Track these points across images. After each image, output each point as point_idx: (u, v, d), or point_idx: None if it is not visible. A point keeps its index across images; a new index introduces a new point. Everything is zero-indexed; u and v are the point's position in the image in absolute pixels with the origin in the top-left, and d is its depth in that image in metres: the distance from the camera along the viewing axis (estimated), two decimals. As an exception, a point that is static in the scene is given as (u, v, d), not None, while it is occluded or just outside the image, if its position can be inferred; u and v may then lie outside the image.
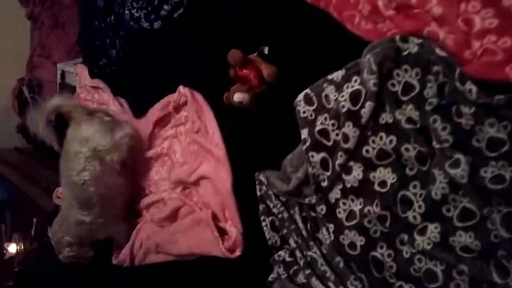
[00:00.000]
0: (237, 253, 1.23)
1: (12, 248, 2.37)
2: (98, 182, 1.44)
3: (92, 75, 1.92)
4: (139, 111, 1.67)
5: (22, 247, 2.44)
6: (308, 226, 1.07)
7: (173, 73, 1.55)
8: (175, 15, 1.48)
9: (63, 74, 2.53)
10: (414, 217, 0.86)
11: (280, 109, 1.14)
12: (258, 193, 1.16)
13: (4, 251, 2.40)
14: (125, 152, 1.48)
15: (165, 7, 1.49)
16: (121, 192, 1.53)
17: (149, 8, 1.56)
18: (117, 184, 1.50)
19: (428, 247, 0.84)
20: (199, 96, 1.39)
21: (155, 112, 1.54)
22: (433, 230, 0.84)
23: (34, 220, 2.41)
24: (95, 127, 1.45)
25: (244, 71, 1.13)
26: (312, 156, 1.00)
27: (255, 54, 1.17)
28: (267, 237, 1.12)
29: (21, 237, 2.46)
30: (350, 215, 0.98)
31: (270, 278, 1.11)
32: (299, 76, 1.10)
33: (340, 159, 0.96)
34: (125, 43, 1.75)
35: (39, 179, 2.51)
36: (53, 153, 2.19)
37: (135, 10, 1.61)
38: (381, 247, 0.93)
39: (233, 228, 1.27)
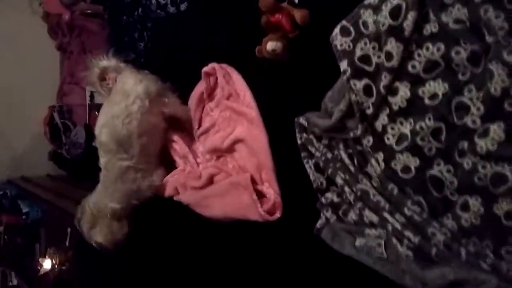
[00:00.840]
0: (277, 215, 1.18)
1: (47, 264, 2.36)
2: (143, 117, 1.39)
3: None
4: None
5: (58, 260, 2.42)
6: (355, 161, 1.01)
7: (201, 54, 1.56)
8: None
9: (91, 95, 2.61)
10: (473, 121, 0.81)
11: (312, 57, 1.12)
12: (299, 142, 1.13)
13: (39, 267, 2.38)
14: (174, 106, 1.47)
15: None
16: (160, 136, 1.49)
17: (175, -8, 1.60)
18: (159, 127, 1.47)
19: (493, 148, 0.77)
20: (224, 65, 1.39)
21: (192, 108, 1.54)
22: (496, 129, 0.78)
23: (69, 230, 2.41)
24: (146, 76, 1.45)
25: (276, 15, 1.12)
26: (354, 85, 0.97)
27: (285, 2, 1.16)
28: (312, 179, 1.07)
29: (56, 251, 2.45)
30: (400, 138, 0.93)
31: (318, 225, 1.05)
32: (329, 21, 1.08)
33: (384, 80, 0.92)
34: (153, 34, 1.78)
35: (72, 196, 2.53)
36: (86, 177, 2.22)
37: (161, -2, 1.66)
38: (438, 164, 0.87)
39: (271, 190, 1.22)
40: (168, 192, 1.48)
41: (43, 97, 2.92)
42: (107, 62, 1.42)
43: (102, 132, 1.40)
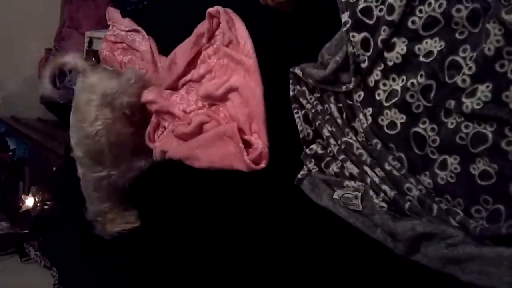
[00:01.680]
0: (262, 165, 1.19)
1: (30, 201, 2.36)
2: (110, 131, 1.45)
3: (125, 14, 1.92)
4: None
5: (40, 198, 2.42)
6: (344, 115, 1.02)
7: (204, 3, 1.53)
8: None
9: (90, 41, 2.56)
10: (463, 80, 0.81)
11: (315, 9, 1.11)
12: (291, 93, 1.13)
13: (21, 204, 2.38)
14: (134, 95, 1.50)
15: None
16: (131, 139, 1.56)
17: None
18: (127, 133, 1.53)
19: (478, 107, 0.78)
20: (229, 10, 1.37)
21: (186, 51, 1.52)
22: (484, 90, 0.79)
23: (54, 168, 2.41)
24: (100, 74, 1.50)
25: (284, -38, 1.10)
26: (353, 36, 0.96)
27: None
28: (300, 129, 1.08)
29: (39, 189, 2.45)
30: (391, 94, 0.93)
31: (299, 176, 1.07)
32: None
33: (383, 34, 0.92)
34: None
35: (59, 136, 2.52)
36: None
37: None
38: (424, 123, 0.88)
39: (259, 141, 1.22)
40: (158, 156, 1.50)
41: (41, 39, 2.87)
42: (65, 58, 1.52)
43: (76, 149, 1.47)
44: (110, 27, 2.04)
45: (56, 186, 2.18)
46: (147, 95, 1.54)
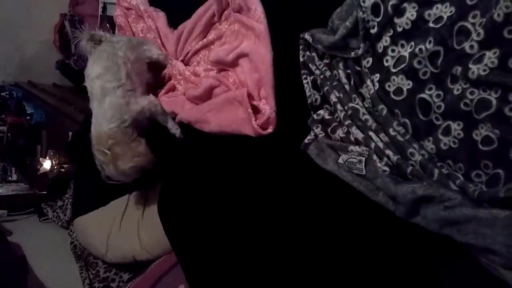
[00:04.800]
0: (270, 130, 1.21)
1: (47, 164, 2.42)
2: (130, 51, 1.50)
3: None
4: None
5: (57, 161, 2.49)
6: (352, 81, 1.03)
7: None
8: None
9: (104, 6, 2.57)
10: (471, 46, 0.81)
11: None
12: (301, 59, 1.14)
13: (39, 166, 2.45)
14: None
15: None
16: (145, 69, 1.58)
17: None
18: (145, 69, 1.57)
19: (484, 73, 0.79)
20: None
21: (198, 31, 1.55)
22: (491, 56, 0.79)
23: (70, 133, 2.47)
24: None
25: None
26: (364, 2, 0.96)
27: None
28: (308, 94, 1.09)
29: (56, 153, 2.51)
30: (399, 60, 0.94)
31: (306, 140, 1.09)
32: None
33: (393, -1, 0.91)
34: None
35: (75, 102, 2.56)
36: None
37: None
38: (430, 89, 0.89)
39: (267, 106, 1.24)
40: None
41: (56, 4, 2.88)
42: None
43: (95, 68, 1.46)
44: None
45: (73, 151, 2.23)
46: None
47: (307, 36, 1.08)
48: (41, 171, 2.41)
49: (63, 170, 2.48)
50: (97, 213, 1.72)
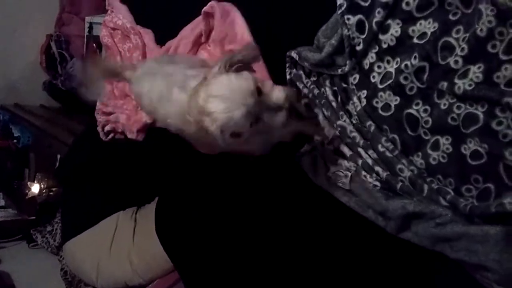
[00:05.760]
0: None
1: (35, 188, 2.38)
2: None
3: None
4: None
5: (46, 184, 2.45)
6: (339, 98, 1.03)
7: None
8: None
9: (90, 26, 2.56)
10: (456, 61, 0.82)
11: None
12: (288, 77, 1.14)
13: (27, 190, 2.41)
14: None
15: None
16: None
17: None
18: None
19: (470, 88, 0.79)
20: (224, 2, 1.36)
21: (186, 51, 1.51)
22: (475, 71, 0.79)
23: (58, 156, 2.43)
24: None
25: None
26: (348, 19, 0.97)
27: None
28: (297, 113, 1.08)
29: (44, 176, 2.47)
30: (385, 76, 0.94)
31: (299, 153, 1.08)
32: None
33: (377, 16, 0.92)
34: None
35: (63, 123, 2.53)
36: (79, 110, 2.18)
37: None
38: (417, 104, 0.89)
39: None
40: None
41: (42, 25, 2.86)
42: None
43: None
44: (109, 12, 2.03)
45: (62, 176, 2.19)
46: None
47: (293, 54, 1.08)
48: (30, 195, 2.36)
49: (52, 193, 2.44)
50: (86, 235, 1.67)
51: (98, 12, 2.48)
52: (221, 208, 1.23)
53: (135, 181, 1.61)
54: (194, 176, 1.39)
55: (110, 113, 1.68)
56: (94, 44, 2.36)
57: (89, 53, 2.37)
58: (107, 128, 1.69)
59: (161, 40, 1.61)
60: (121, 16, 1.76)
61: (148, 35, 1.65)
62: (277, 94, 0.80)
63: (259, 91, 0.78)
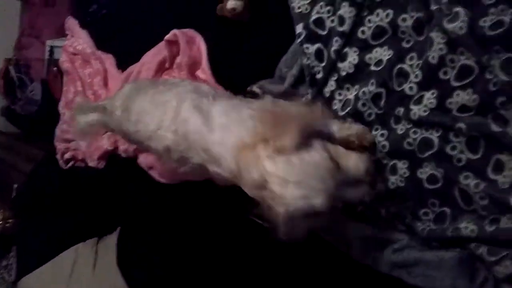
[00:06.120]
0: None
1: (-10, 221, 2.26)
2: None
3: (84, 24, 1.91)
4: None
5: (2, 216, 2.33)
6: (301, 124, 1.03)
7: (162, 12, 1.54)
8: None
9: (51, 50, 2.51)
10: (411, 88, 0.84)
11: (271, 19, 1.13)
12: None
13: (-19, 224, 2.28)
14: None
15: None
16: None
17: None
18: None
19: (425, 114, 0.81)
20: (188, 30, 1.37)
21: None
22: (429, 97, 0.81)
23: (14, 186, 2.33)
24: None
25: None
26: (307, 48, 0.98)
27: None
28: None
29: (0, 207, 2.36)
30: (345, 104, 0.95)
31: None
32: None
33: (335, 45, 0.94)
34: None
35: (22, 152, 2.44)
36: (39, 135, 2.12)
37: None
38: (376, 129, 0.90)
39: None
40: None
41: (0, 49, 2.78)
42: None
43: None
44: (69, 37, 2.01)
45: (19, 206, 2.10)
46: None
47: (255, 88, 1.08)
48: (-16, 228, 2.23)
49: (8, 225, 2.31)
50: (43, 271, 1.59)
51: (59, 36, 2.44)
52: (186, 239, 1.20)
53: (96, 211, 1.55)
54: (156, 206, 1.35)
55: (70, 140, 1.63)
56: (55, 68, 2.32)
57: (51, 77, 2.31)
58: (67, 155, 1.63)
59: (122, 66, 1.59)
60: (81, 41, 1.74)
61: (109, 60, 1.63)
62: (357, 164, 0.65)
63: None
